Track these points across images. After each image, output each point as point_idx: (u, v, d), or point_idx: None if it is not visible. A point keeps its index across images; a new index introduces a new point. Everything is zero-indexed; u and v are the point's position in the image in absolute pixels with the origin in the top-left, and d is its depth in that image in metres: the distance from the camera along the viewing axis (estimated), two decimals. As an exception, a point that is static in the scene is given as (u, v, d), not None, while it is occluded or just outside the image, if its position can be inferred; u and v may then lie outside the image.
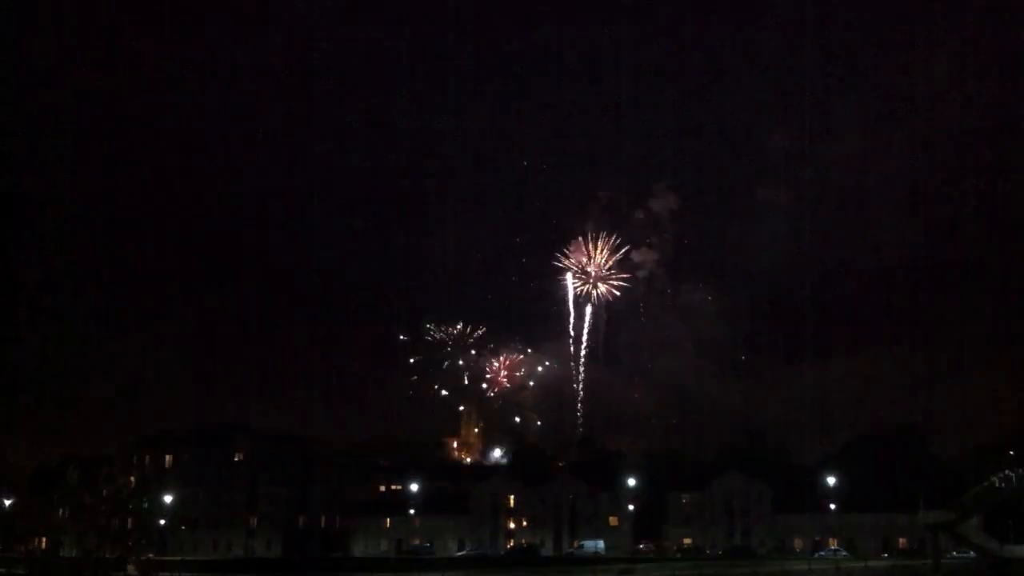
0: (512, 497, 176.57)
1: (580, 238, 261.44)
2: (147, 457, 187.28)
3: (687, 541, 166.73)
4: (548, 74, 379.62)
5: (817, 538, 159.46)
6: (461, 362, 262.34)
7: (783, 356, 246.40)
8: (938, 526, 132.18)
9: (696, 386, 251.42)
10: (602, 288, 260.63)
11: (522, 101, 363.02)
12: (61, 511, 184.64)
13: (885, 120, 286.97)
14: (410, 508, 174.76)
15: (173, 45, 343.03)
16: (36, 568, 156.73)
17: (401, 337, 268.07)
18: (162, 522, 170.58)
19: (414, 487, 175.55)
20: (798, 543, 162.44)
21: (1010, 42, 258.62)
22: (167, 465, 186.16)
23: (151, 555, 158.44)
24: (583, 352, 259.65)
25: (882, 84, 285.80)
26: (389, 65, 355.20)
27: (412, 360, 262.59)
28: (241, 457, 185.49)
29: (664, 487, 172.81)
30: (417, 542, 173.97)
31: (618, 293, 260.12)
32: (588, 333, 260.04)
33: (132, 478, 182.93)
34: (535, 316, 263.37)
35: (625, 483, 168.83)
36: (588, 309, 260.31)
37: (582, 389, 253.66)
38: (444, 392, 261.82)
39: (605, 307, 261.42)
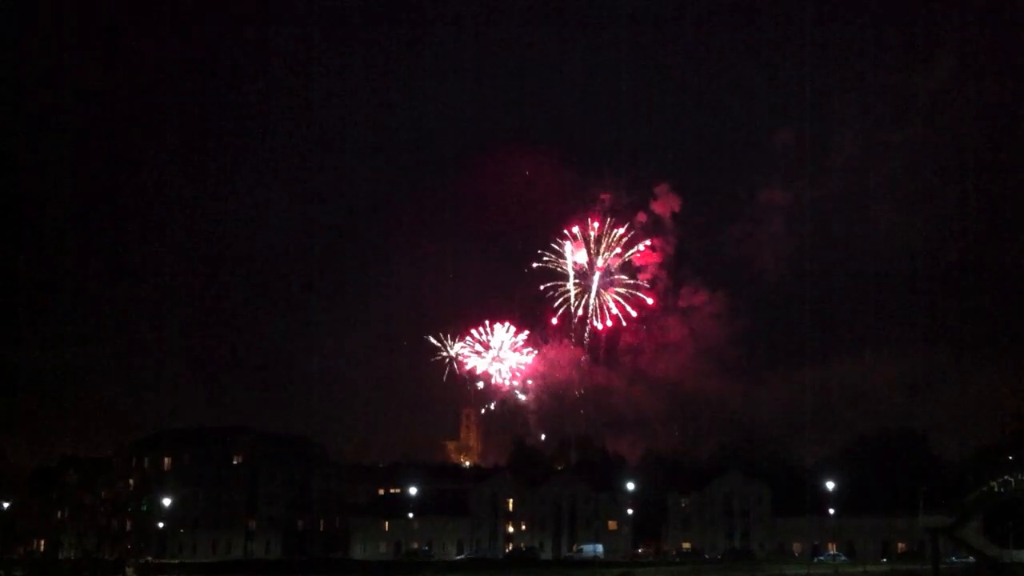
0: (511, 500, 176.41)
1: (582, 240, 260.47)
2: (146, 458, 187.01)
3: (686, 545, 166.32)
4: (548, 76, 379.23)
5: (816, 542, 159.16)
6: (463, 365, 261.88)
7: (784, 357, 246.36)
8: (937, 530, 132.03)
9: (697, 388, 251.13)
10: (603, 287, 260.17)
11: (522, 102, 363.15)
12: (60, 512, 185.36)
13: (886, 120, 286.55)
14: (409, 510, 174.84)
15: (173, 45, 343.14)
16: (35, 569, 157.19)
17: (404, 343, 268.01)
18: (161, 524, 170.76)
19: (413, 489, 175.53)
20: (797, 547, 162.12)
21: (1011, 42, 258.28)
22: (166, 467, 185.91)
23: (150, 557, 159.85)
24: (584, 354, 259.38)
25: (882, 84, 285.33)
26: (389, 65, 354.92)
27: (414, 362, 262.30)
28: (241, 458, 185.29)
29: (663, 490, 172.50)
30: (416, 545, 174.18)
31: (619, 293, 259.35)
32: (589, 334, 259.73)
33: (131, 480, 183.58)
34: (536, 318, 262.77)
35: (624, 486, 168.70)
36: (588, 310, 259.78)
37: (583, 391, 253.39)
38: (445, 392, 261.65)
39: (606, 308, 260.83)
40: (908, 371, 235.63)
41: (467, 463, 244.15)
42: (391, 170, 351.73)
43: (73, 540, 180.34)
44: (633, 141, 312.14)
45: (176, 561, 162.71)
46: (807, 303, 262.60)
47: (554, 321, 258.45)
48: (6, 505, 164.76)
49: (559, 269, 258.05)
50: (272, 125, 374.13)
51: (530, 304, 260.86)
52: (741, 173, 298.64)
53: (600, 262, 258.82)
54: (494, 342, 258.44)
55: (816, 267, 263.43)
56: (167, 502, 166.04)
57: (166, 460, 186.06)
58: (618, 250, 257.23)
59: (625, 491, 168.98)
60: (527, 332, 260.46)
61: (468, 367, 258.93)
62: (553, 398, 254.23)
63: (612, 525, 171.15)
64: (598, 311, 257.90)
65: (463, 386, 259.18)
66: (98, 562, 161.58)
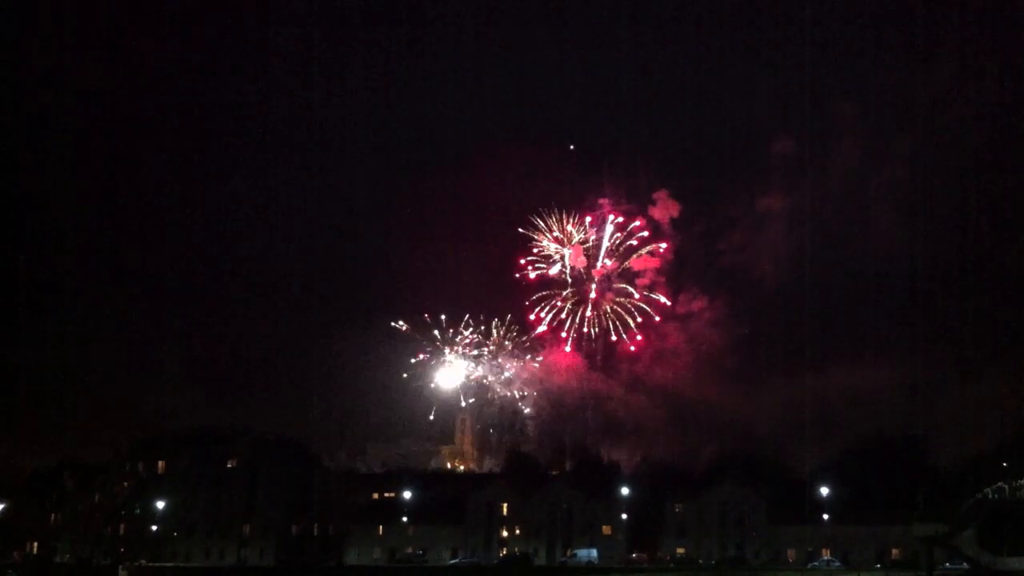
0: (506, 506, 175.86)
1: (581, 245, 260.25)
2: (142, 463, 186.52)
3: (680, 551, 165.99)
4: (546, 78, 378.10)
5: (811, 549, 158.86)
6: (459, 369, 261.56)
7: (783, 363, 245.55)
8: (932, 538, 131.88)
9: (695, 394, 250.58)
10: (601, 293, 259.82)
11: (521, 105, 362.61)
12: (55, 516, 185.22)
13: (886, 124, 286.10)
14: (403, 516, 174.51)
15: (173, 45, 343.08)
16: (29, 573, 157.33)
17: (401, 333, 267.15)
18: (155, 528, 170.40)
19: (407, 495, 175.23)
20: (791, 554, 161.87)
21: (1012, 44, 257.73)
22: (162, 470, 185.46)
23: (143, 561, 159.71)
24: (582, 360, 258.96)
25: (883, 88, 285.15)
26: (389, 65, 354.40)
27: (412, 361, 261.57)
28: (237, 463, 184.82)
29: (659, 496, 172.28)
30: (410, 550, 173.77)
31: (618, 300, 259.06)
32: (587, 341, 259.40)
33: (126, 484, 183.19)
34: (533, 324, 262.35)
35: (620, 493, 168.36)
36: (588, 316, 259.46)
37: (580, 398, 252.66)
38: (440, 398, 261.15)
39: (605, 314, 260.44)
40: (907, 376, 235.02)
41: (462, 468, 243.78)
42: (391, 170, 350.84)
43: (68, 544, 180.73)
44: (632, 145, 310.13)
45: (171, 565, 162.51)
46: (806, 308, 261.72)
47: (545, 328, 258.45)
48: (1, 508, 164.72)
49: (558, 277, 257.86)
50: (272, 125, 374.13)
51: (527, 310, 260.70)
52: (740, 178, 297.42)
53: (598, 265, 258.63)
54: (492, 347, 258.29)
55: (815, 272, 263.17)
56: (161, 506, 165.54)
57: (161, 464, 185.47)
58: (620, 257, 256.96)
59: (620, 498, 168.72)
60: (525, 337, 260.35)
61: (465, 372, 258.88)
62: (550, 404, 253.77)
63: (607, 530, 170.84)
64: (598, 319, 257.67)
65: (459, 391, 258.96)
66: (92, 566, 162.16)
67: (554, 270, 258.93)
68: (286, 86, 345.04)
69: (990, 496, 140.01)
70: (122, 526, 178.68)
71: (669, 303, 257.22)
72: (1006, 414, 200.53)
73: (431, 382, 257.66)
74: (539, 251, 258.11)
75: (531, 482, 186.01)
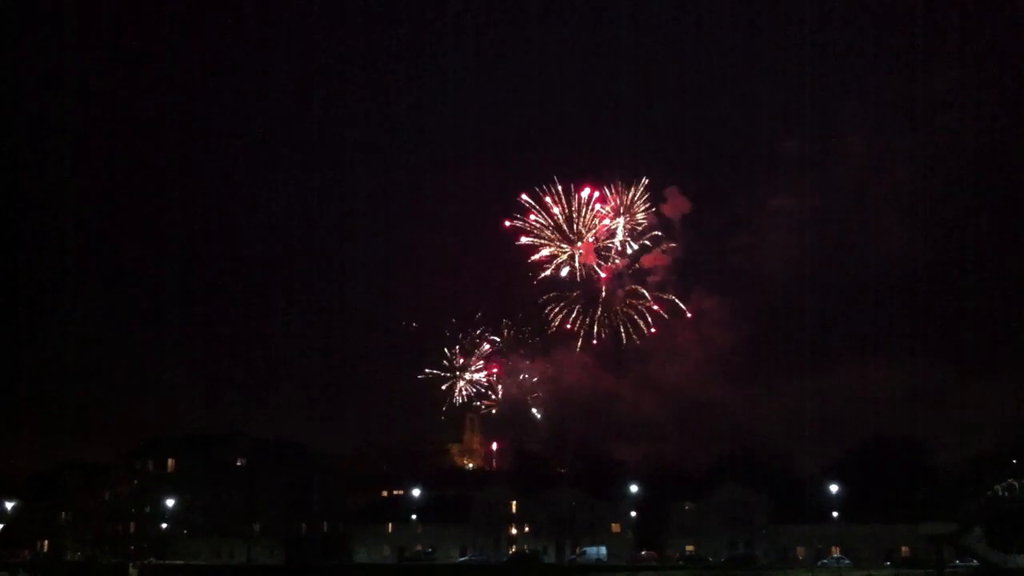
0: (514, 504, 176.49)
1: (591, 244, 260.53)
2: (148, 462, 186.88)
3: (690, 548, 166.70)
4: (551, 78, 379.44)
5: (820, 547, 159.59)
6: (467, 372, 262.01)
7: (788, 364, 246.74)
8: (941, 537, 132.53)
9: (703, 394, 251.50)
10: (612, 293, 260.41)
11: (524, 106, 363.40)
12: (62, 516, 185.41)
13: (892, 128, 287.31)
14: (412, 514, 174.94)
15: (173, 45, 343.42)
16: (38, 573, 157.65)
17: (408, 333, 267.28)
18: (164, 526, 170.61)
19: (416, 493, 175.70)
20: (800, 552, 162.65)
21: (1016, 47, 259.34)
22: (168, 470, 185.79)
23: (151, 560, 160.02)
24: (591, 359, 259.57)
25: (889, 91, 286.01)
26: (388, 64, 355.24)
27: (422, 367, 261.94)
28: (242, 462, 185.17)
29: (666, 495, 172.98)
30: (419, 549, 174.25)
31: (630, 301, 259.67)
32: (596, 339, 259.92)
33: (136, 482, 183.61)
34: (542, 323, 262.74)
35: (627, 491, 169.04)
36: (598, 316, 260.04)
37: (590, 397, 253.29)
38: (451, 399, 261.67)
39: (614, 313, 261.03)
40: (910, 377, 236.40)
41: (470, 466, 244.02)
42: (391, 170, 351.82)
43: (75, 544, 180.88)
44: (642, 147, 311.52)
45: (180, 563, 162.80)
46: (811, 310, 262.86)
47: (555, 327, 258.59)
48: (8, 507, 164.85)
49: (568, 278, 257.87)
50: (272, 125, 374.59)
51: (535, 309, 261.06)
52: (748, 180, 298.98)
53: (609, 264, 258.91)
54: (502, 347, 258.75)
55: (821, 274, 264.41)
56: (169, 504, 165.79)
57: (168, 464, 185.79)
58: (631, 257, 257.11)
59: (628, 496, 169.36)
60: (536, 337, 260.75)
61: (473, 372, 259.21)
62: (560, 403, 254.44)
63: (615, 529, 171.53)
64: (609, 320, 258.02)
65: (467, 392, 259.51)
66: (102, 564, 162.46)
67: (564, 271, 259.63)
68: (286, 86, 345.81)
69: (1000, 494, 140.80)
70: (130, 525, 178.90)
71: (684, 308, 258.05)
72: (1007, 415, 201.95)
73: (442, 385, 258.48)
74: (548, 252, 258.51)
75: (539, 480, 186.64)
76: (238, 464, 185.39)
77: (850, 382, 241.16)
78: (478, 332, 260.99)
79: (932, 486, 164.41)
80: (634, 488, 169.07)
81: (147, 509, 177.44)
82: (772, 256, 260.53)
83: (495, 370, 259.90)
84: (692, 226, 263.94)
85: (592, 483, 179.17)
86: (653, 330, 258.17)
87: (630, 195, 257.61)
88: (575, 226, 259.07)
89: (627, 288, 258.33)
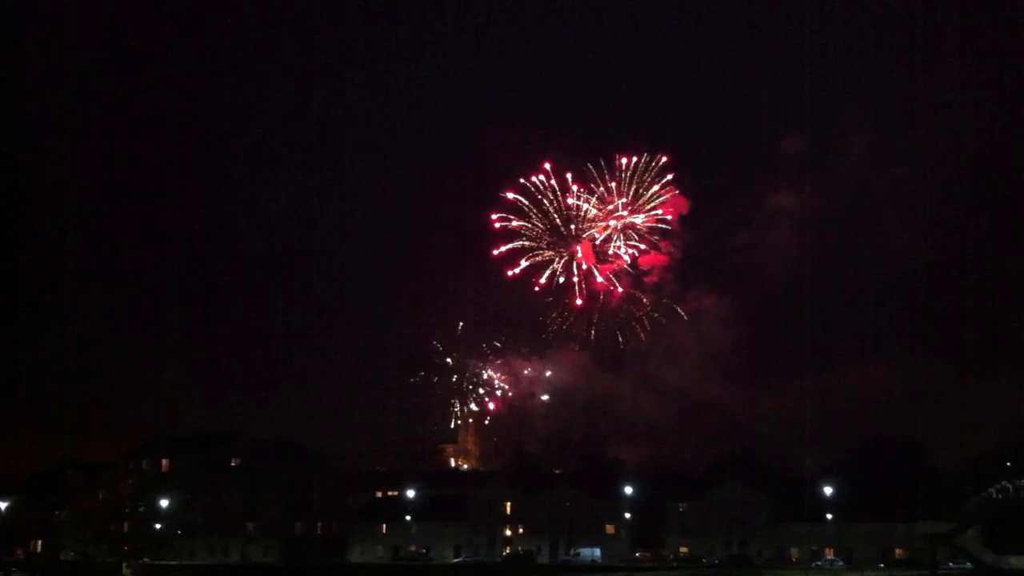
0: (509, 504, 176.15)
1: (590, 242, 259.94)
2: (145, 462, 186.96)
3: (684, 549, 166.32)
4: (552, 74, 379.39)
5: (814, 548, 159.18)
6: (464, 372, 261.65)
7: (789, 364, 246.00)
8: (936, 537, 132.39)
9: (701, 394, 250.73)
10: (609, 295, 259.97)
11: (522, 106, 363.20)
12: (59, 514, 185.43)
13: (893, 127, 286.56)
14: (407, 514, 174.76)
15: (173, 45, 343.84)
16: (34, 571, 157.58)
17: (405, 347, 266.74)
18: (158, 526, 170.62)
19: (411, 493, 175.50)
20: (795, 552, 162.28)
21: (1018, 47, 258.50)
22: (165, 470, 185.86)
23: (147, 559, 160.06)
24: (590, 359, 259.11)
25: (887, 89, 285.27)
26: (388, 64, 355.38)
27: (415, 371, 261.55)
28: (239, 462, 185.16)
29: (663, 495, 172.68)
30: (414, 549, 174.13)
31: (632, 306, 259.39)
32: (595, 340, 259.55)
33: (130, 482, 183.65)
34: (541, 322, 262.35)
35: (623, 491, 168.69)
36: (595, 315, 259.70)
37: (588, 397, 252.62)
38: (444, 397, 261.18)
39: (613, 313, 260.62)
40: (911, 378, 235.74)
41: (466, 467, 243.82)
42: (391, 170, 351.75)
43: (71, 543, 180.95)
44: (640, 143, 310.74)
45: (175, 562, 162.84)
46: (811, 310, 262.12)
47: (554, 328, 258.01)
48: (4, 507, 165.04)
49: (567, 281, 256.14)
50: (272, 125, 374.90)
51: (534, 312, 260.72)
52: (748, 178, 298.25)
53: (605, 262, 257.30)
54: (499, 344, 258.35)
55: (821, 274, 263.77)
56: (165, 504, 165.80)
57: (164, 463, 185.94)
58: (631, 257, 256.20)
59: (624, 496, 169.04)
60: (531, 335, 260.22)
61: (471, 373, 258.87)
62: (559, 403, 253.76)
63: (610, 530, 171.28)
64: (607, 324, 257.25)
65: (462, 391, 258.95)
66: (97, 564, 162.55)
67: (562, 277, 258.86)
68: (286, 86, 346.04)
69: (994, 495, 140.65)
70: (126, 524, 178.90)
71: (683, 313, 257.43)
72: (1007, 415, 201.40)
73: (438, 389, 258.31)
74: (545, 255, 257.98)
75: (535, 480, 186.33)
76: (238, 464, 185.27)
77: (850, 382, 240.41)
78: (476, 333, 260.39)
79: (932, 486, 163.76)
80: (633, 488, 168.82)
81: (141, 509, 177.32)
82: (772, 255, 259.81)
83: (493, 371, 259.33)
84: (692, 225, 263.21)
85: (591, 483, 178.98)
86: (651, 331, 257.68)
87: (631, 192, 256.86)
88: (572, 226, 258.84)
89: (632, 293, 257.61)
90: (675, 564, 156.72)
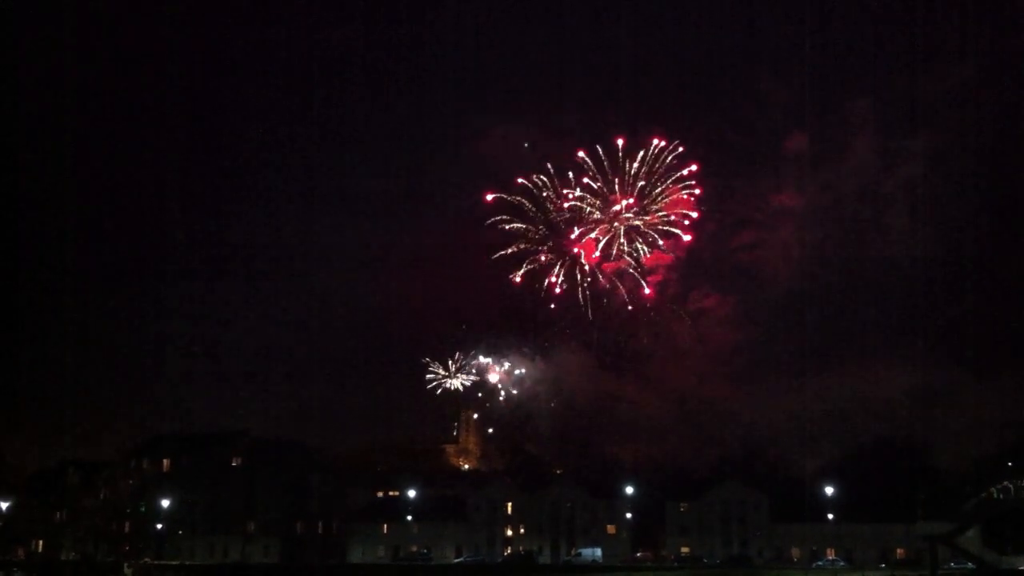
0: (510, 504, 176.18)
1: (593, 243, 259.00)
2: (145, 461, 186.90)
3: (685, 549, 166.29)
4: (551, 78, 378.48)
5: (815, 548, 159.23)
6: (466, 372, 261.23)
7: (791, 364, 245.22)
8: (936, 537, 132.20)
9: (703, 394, 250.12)
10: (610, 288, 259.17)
11: (522, 107, 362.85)
12: (59, 514, 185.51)
13: (901, 126, 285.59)
14: (408, 514, 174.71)
15: (173, 45, 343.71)
16: (34, 570, 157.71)
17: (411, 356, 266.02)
18: (159, 526, 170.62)
19: (412, 493, 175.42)
20: (796, 553, 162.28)
21: (1015, 44, 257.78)
22: (165, 469, 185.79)
23: (147, 559, 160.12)
24: (592, 359, 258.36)
25: (891, 88, 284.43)
26: (388, 64, 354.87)
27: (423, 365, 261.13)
28: (239, 462, 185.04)
29: (663, 496, 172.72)
30: (415, 549, 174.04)
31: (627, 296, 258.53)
32: (596, 339, 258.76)
33: (131, 482, 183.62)
34: (543, 322, 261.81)
35: (624, 491, 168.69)
36: (598, 315, 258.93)
37: (590, 397, 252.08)
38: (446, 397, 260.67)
39: (615, 312, 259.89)
40: (912, 378, 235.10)
41: (466, 466, 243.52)
42: (391, 170, 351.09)
43: (71, 542, 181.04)
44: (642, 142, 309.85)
45: (175, 562, 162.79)
46: (813, 310, 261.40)
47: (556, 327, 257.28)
48: (4, 506, 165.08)
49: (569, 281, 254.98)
50: (272, 125, 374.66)
51: (534, 305, 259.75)
52: (752, 178, 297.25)
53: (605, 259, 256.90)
54: (499, 346, 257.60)
55: (822, 273, 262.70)
56: (165, 505, 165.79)
57: (165, 463, 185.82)
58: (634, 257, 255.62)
59: (624, 497, 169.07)
60: (533, 335, 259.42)
61: (467, 373, 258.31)
62: (558, 403, 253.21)
63: (611, 530, 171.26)
64: (607, 315, 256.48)
65: (463, 391, 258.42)
66: (97, 564, 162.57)
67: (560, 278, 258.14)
68: (286, 86, 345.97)
69: (995, 496, 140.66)
70: (127, 524, 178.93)
71: (685, 315, 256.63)
72: (1008, 415, 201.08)
73: (439, 389, 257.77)
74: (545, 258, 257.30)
75: (535, 480, 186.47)
76: (238, 464, 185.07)
77: (852, 382, 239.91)
78: (478, 333, 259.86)
79: (933, 486, 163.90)
80: (633, 488, 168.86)
81: (142, 508, 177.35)
82: (774, 255, 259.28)
83: (494, 371, 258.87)
84: (695, 225, 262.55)
85: (592, 483, 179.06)
86: (653, 331, 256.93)
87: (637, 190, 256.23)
88: (575, 225, 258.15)
89: (634, 293, 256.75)
90: (675, 564, 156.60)
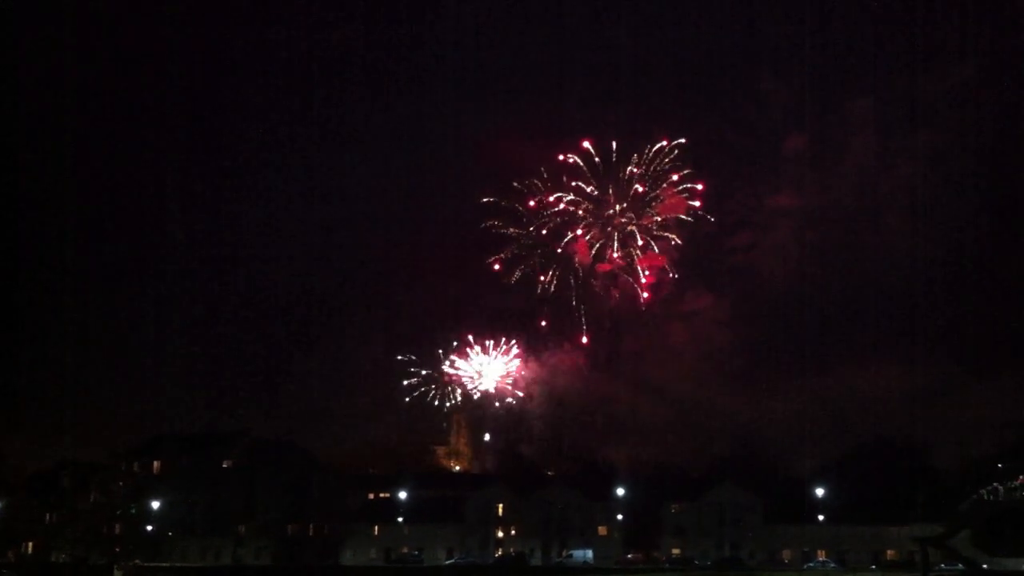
0: (502, 506, 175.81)
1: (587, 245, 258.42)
2: (137, 463, 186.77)
3: (676, 551, 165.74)
4: (550, 77, 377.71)
5: (807, 549, 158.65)
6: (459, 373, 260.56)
7: (789, 364, 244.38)
8: (927, 539, 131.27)
9: (699, 396, 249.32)
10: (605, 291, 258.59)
11: (523, 105, 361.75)
12: (51, 516, 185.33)
13: (899, 127, 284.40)
14: (400, 516, 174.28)
15: (173, 45, 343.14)
16: (24, 573, 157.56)
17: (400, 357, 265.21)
18: (149, 528, 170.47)
19: (404, 495, 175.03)
20: (787, 554, 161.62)
21: (1016, 44, 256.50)
22: (160, 471, 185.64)
23: (138, 561, 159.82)
24: (586, 360, 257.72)
25: (890, 88, 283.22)
26: (388, 64, 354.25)
27: (410, 372, 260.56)
28: (233, 464, 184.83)
29: (657, 497, 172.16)
30: (406, 550, 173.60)
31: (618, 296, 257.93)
32: (590, 340, 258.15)
33: (122, 484, 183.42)
34: (537, 322, 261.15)
35: (616, 493, 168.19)
36: (592, 315, 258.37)
37: (582, 398, 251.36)
38: (437, 402, 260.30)
39: (609, 313, 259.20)
40: (911, 378, 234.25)
41: (457, 468, 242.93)
42: (391, 170, 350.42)
43: (63, 544, 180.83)
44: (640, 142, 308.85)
45: (167, 565, 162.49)
46: (812, 310, 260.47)
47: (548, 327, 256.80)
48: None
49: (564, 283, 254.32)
50: (272, 125, 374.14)
51: (528, 306, 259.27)
52: (750, 178, 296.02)
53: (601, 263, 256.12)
54: (492, 350, 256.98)
55: (821, 273, 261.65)
56: (156, 505, 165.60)
57: (158, 465, 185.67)
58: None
59: (617, 498, 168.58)
60: (526, 336, 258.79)
61: (459, 375, 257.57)
62: (551, 404, 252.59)
63: (603, 531, 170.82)
64: (601, 316, 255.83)
65: (454, 392, 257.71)
66: (89, 566, 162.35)
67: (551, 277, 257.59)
68: (286, 86, 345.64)
69: (986, 497, 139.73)
70: (118, 526, 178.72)
71: (680, 316, 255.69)
72: (1007, 415, 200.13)
73: (431, 390, 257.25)
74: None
75: (528, 482, 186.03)
76: (237, 464, 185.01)
77: (850, 383, 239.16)
78: (471, 334, 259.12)
79: (932, 487, 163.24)
80: (626, 489, 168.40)
81: (132, 510, 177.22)
82: (772, 256, 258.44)
83: (487, 372, 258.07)
84: (691, 226, 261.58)
85: (584, 484, 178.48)
86: (648, 332, 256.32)
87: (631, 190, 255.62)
88: (571, 226, 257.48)
89: (628, 293, 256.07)
90: (667, 566, 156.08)
